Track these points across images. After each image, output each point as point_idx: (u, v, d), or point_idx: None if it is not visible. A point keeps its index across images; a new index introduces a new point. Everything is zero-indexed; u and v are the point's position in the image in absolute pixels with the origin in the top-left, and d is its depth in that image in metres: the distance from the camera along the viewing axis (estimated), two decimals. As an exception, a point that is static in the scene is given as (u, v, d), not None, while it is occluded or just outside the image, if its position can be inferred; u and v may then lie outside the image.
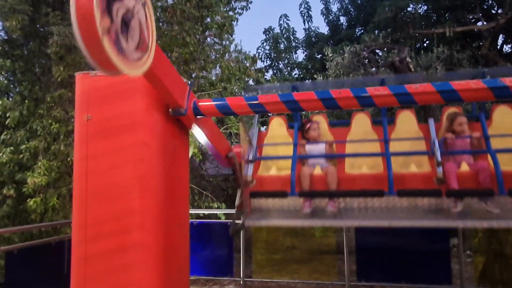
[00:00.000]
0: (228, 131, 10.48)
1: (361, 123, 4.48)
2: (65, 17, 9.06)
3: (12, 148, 8.70)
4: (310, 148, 4.31)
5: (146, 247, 3.06)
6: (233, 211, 7.84)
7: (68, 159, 8.57)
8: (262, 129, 7.52)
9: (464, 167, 3.68)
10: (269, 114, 5.21)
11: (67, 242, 5.28)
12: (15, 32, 8.67)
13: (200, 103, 3.51)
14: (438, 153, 3.65)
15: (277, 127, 4.70)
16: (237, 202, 4.10)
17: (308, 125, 4.41)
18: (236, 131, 10.66)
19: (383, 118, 4.37)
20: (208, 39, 11.59)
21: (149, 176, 3.13)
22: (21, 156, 8.63)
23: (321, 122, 4.59)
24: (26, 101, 9.21)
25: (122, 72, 2.02)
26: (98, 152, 3.18)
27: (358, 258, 6.19)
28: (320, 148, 4.30)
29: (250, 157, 4.15)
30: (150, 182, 3.12)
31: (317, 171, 4.01)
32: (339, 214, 3.93)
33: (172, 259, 3.30)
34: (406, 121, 4.37)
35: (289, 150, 4.23)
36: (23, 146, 8.62)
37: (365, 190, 3.73)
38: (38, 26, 9.80)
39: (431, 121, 4.11)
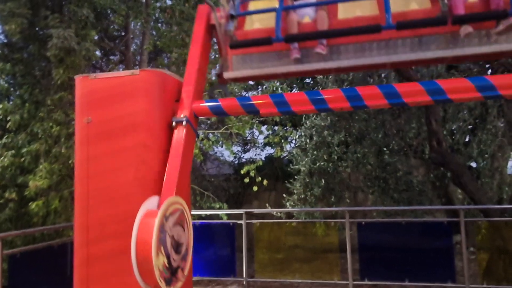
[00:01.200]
0: (229, 131, 10.47)
1: None
2: (64, 19, 9.06)
3: (13, 151, 8.71)
4: (299, 2, 3.85)
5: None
6: (236, 211, 7.86)
7: (70, 162, 8.57)
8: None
9: None
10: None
11: (69, 244, 5.29)
12: (15, 35, 8.68)
13: (194, 106, 3.50)
14: None
15: None
16: (217, 69, 3.94)
17: None
18: (237, 131, 10.65)
19: None
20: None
21: (150, 178, 3.12)
22: (22, 159, 8.64)
23: None
24: (27, 104, 9.21)
25: None
26: (99, 154, 3.18)
27: (361, 256, 6.18)
28: (311, 9, 3.80)
29: (231, 12, 3.74)
30: (151, 184, 3.11)
31: (306, 20, 3.68)
32: (330, 56, 3.61)
33: (174, 261, 3.29)
34: None
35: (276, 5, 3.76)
36: (24, 150, 8.62)
37: (359, 27, 3.32)
38: (37, 29, 9.81)
39: None
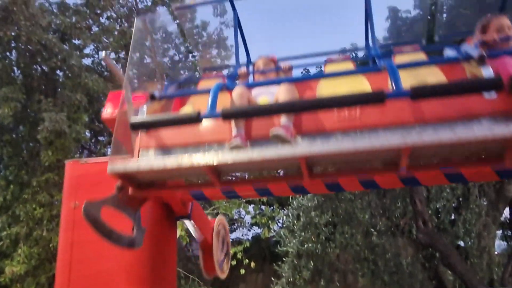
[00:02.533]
0: (215, 212, 10.40)
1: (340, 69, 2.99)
2: (57, 103, 9.38)
3: (-8, 234, 8.45)
4: (258, 93, 2.69)
5: None
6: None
7: (50, 245, 8.29)
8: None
9: None
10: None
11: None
12: (7, 119, 8.88)
13: None
14: (475, 51, 2.32)
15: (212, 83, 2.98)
16: (118, 183, 2.61)
17: (255, 63, 3.08)
18: (224, 211, 10.58)
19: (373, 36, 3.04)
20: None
21: (135, 264, 3.07)
22: (0, 243, 8.34)
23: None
24: (11, 185, 9.14)
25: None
26: (84, 240, 3.14)
27: None
28: (273, 92, 2.60)
29: (155, 93, 2.68)
30: (136, 270, 3.05)
31: (263, 100, 2.58)
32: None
33: None
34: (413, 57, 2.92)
35: (224, 99, 2.52)
36: (4, 233, 8.37)
37: (350, 95, 2.07)
38: (29, 111, 10.07)
39: (450, 48, 2.75)
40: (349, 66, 3.04)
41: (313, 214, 9.86)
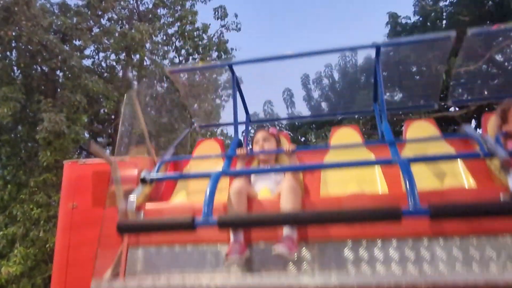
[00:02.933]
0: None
1: (346, 139, 3.04)
2: (56, 104, 9.36)
3: (-12, 235, 8.40)
4: (257, 179, 2.67)
5: None
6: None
7: (46, 246, 8.25)
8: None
9: None
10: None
11: None
12: (5, 118, 8.86)
13: None
14: (500, 151, 2.16)
15: (208, 151, 3.31)
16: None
17: (254, 136, 2.97)
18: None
19: (385, 123, 2.92)
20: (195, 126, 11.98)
21: (132, 266, 3.04)
22: (-3, 243, 8.31)
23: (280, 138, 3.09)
24: (9, 185, 9.10)
25: None
26: (81, 242, 3.12)
27: None
28: (273, 179, 2.59)
29: (146, 176, 2.54)
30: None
31: (264, 193, 2.45)
32: (305, 263, 2.06)
33: None
34: (423, 131, 2.97)
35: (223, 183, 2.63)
36: (0, 233, 8.33)
37: (364, 208, 1.88)
38: (28, 111, 10.05)
39: (468, 127, 2.80)
40: (356, 135, 3.08)
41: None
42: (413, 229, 1.99)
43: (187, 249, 2.23)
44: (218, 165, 2.85)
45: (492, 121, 2.84)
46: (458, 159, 2.53)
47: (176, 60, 12.23)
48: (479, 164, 2.43)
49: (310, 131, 12.82)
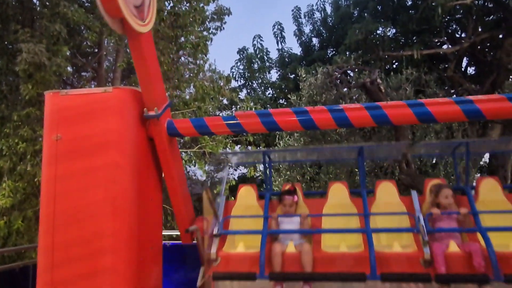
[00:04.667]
0: (202, 150, 10.41)
1: (338, 193, 4.11)
2: (35, 34, 8.88)
3: (-26, 168, 8.34)
4: (283, 221, 3.89)
5: (117, 271, 2.95)
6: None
7: (35, 180, 8.26)
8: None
9: (453, 247, 3.29)
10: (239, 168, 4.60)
11: (31, 267, 5.03)
12: (-19, 49, 8.43)
13: (177, 123, 3.49)
14: (424, 231, 3.32)
15: (246, 197, 4.27)
16: (198, 283, 3.57)
17: (282, 197, 4.01)
18: (210, 150, 10.60)
19: (362, 189, 4.07)
20: (182, 58, 11.60)
21: (121, 198, 3.04)
22: (-16, 177, 8.27)
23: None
24: (-9, 119, 8.89)
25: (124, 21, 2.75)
26: (67, 173, 3.08)
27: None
28: (294, 221, 3.85)
29: (215, 231, 3.71)
30: (122, 204, 3.03)
31: (290, 248, 3.57)
32: None
33: (144, 283, 3.19)
34: (387, 192, 4.05)
35: (259, 224, 3.85)
36: (-13, 167, 8.27)
37: (344, 273, 3.33)
38: (6, 43, 9.56)
39: (414, 194, 3.85)
40: (345, 194, 4.07)
41: (299, 154, 9.96)
42: None
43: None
44: (253, 207, 4.16)
45: (427, 194, 3.87)
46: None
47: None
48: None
49: (299, 67, 12.61)
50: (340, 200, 4.05)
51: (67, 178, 3.07)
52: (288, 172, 9.97)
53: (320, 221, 3.92)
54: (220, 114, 14.06)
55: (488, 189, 3.89)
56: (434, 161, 10.73)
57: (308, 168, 9.91)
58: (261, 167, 12.60)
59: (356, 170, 9.93)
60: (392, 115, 3.30)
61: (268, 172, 4.61)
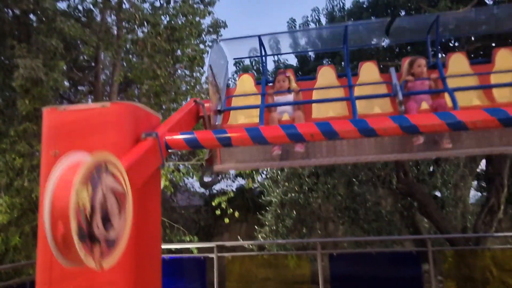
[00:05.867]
0: (199, 163, 10.40)
1: (327, 75, 4.58)
2: (32, 49, 8.93)
3: (-29, 185, 8.30)
4: (278, 99, 4.37)
5: (116, 286, 2.93)
6: (207, 244, 7.70)
7: (32, 195, 8.22)
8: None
9: (424, 106, 3.84)
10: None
11: (29, 284, 5.00)
12: (-22, 65, 8.46)
13: (167, 138, 3.50)
14: (400, 94, 3.77)
15: (245, 83, 4.74)
16: (206, 156, 4.13)
17: (276, 77, 4.53)
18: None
19: (347, 68, 4.49)
20: (179, 71, 11.66)
21: (119, 212, 3.03)
22: (-19, 193, 8.23)
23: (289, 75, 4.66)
24: (-12, 135, 8.88)
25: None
26: (66, 189, 3.08)
27: (333, 287, 6.16)
28: (288, 98, 4.34)
29: (219, 107, 4.16)
30: (120, 218, 3.03)
31: (285, 117, 4.05)
32: (307, 154, 4.02)
33: (143, 299, 3.17)
34: (369, 71, 4.50)
35: (257, 102, 4.33)
36: (-16, 183, 8.23)
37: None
38: (2, 58, 9.60)
39: (392, 69, 4.27)
40: (333, 77, 4.55)
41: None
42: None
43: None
44: (252, 91, 4.62)
45: (404, 68, 4.31)
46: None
47: (157, 3, 11.64)
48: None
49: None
50: (328, 80, 4.51)
51: (65, 193, 3.07)
52: (287, 183, 9.98)
53: (311, 96, 4.39)
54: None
55: (457, 62, 4.39)
56: (431, 169, 10.77)
57: (306, 179, 9.93)
58: (259, 178, 12.61)
59: (354, 179, 9.96)
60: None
61: (264, 59, 5.08)
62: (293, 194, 9.81)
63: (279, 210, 9.96)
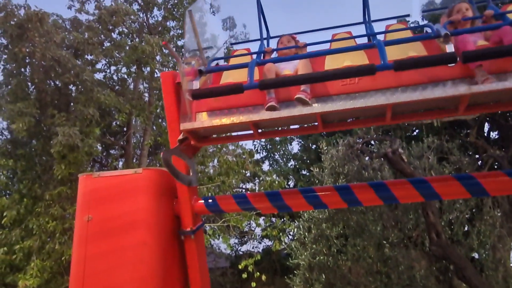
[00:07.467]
0: (226, 224, 10.38)
1: (343, 41, 3.70)
2: (70, 117, 9.53)
3: (5, 248, 8.53)
4: (280, 65, 3.39)
5: None
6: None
7: (62, 258, 8.34)
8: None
9: (481, 42, 2.97)
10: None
11: None
12: (21, 133, 9.03)
13: (194, 206, 3.60)
14: (443, 30, 2.91)
15: (241, 58, 3.81)
16: (180, 136, 3.29)
17: (280, 39, 3.80)
18: (235, 224, 10.55)
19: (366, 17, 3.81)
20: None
21: (148, 278, 3.08)
22: (14, 256, 8.41)
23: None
24: (25, 199, 9.25)
25: None
26: (97, 254, 3.17)
27: None
28: (293, 63, 3.37)
29: (202, 68, 3.26)
30: (149, 284, 3.06)
31: (287, 72, 3.26)
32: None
33: None
34: (398, 33, 3.67)
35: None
36: (17, 246, 8.45)
37: (349, 68, 2.78)
38: (43, 125, 10.24)
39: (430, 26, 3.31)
40: (351, 41, 3.69)
41: (324, 226, 9.78)
42: (385, 82, 2.92)
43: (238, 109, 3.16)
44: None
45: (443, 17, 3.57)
46: (422, 47, 3.28)
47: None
48: (436, 47, 3.20)
49: (321, 139, 12.86)
50: (345, 43, 3.62)
51: (97, 258, 3.16)
52: (314, 246, 9.73)
53: (323, 63, 3.38)
54: (244, 187, 14.16)
55: None
56: (465, 229, 10.31)
57: (334, 240, 9.66)
58: (286, 239, 12.37)
59: (385, 242, 9.62)
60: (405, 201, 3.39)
61: (262, 17, 4.14)
62: (321, 257, 9.51)
63: (307, 273, 9.62)
